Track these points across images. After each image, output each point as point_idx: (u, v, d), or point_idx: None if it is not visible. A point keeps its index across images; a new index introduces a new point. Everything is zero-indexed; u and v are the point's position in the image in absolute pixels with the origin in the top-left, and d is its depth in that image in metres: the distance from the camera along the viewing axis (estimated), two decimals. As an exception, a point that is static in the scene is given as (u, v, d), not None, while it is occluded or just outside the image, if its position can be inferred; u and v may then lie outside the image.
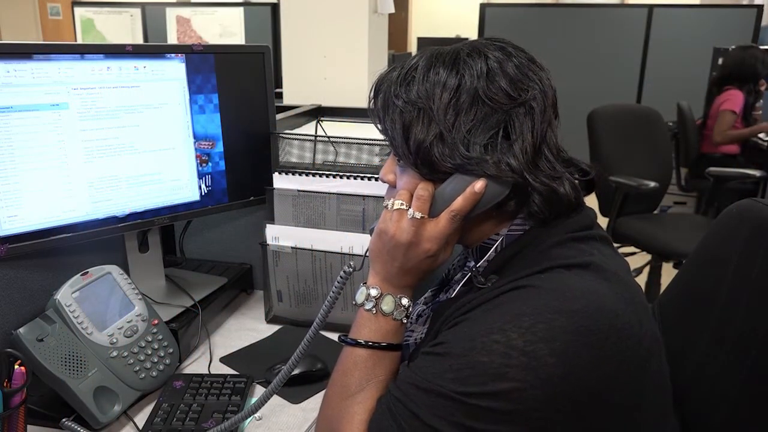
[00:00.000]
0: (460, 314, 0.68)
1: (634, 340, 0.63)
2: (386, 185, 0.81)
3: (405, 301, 0.74)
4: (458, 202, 0.70)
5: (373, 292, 0.74)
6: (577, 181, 0.73)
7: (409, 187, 0.74)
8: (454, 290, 0.81)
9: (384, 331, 0.73)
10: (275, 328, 1.26)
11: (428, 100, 0.69)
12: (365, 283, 0.76)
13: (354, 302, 0.76)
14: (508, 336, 0.60)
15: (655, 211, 3.17)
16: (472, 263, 0.77)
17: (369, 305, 0.74)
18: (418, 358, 0.67)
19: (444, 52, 0.72)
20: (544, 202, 0.69)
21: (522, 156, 0.68)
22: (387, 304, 0.73)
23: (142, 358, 1.00)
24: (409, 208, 0.72)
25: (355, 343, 0.73)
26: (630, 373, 0.63)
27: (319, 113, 1.79)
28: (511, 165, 0.68)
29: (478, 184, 0.69)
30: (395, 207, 0.73)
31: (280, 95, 2.12)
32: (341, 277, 0.80)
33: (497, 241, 0.73)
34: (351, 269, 0.80)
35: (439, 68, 0.70)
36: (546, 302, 0.61)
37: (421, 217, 0.71)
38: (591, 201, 0.79)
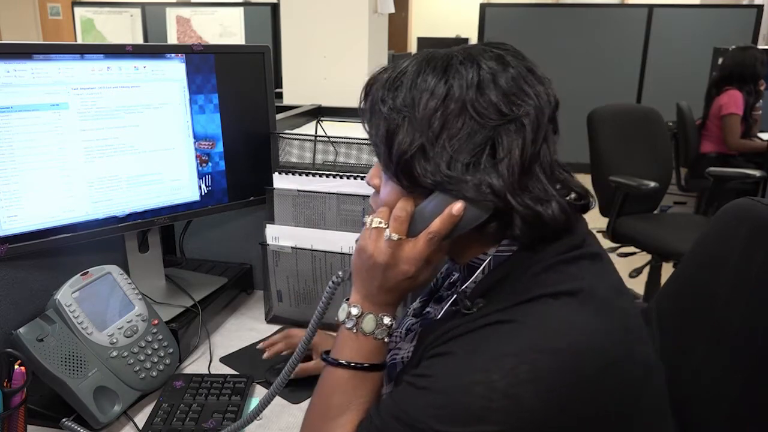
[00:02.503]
0: (442, 341, 0.66)
1: (621, 377, 0.60)
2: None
3: (387, 320, 0.71)
4: (436, 224, 0.66)
5: (354, 311, 0.71)
6: (569, 201, 0.68)
7: (390, 201, 0.70)
8: (443, 308, 0.78)
9: (366, 351, 0.70)
10: (275, 328, 1.26)
11: (413, 109, 0.65)
12: (348, 299, 0.73)
13: (336, 319, 0.73)
14: (491, 378, 0.57)
15: (655, 211, 3.17)
16: (457, 275, 0.74)
17: (350, 324, 0.71)
18: (401, 386, 0.65)
19: (437, 57, 0.67)
20: (526, 226, 0.64)
21: (508, 176, 0.63)
22: (368, 324, 0.70)
23: (142, 358, 1.00)
24: (387, 227, 0.68)
25: (337, 364, 0.71)
26: (618, 408, 0.61)
27: (319, 113, 1.79)
28: (493, 186, 0.63)
29: (456, 207, 0.65)
30: (374, 225, 0.69)
31: (280, 95, 2.12)
32: (329, 287, 0.77)
33: (485, 260, 0.69)
34: (339, 279, 0.76)
35: (428, 75, 0.65)
36: (529, 341, 0.59)
37: (398, 239, 0.67)
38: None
